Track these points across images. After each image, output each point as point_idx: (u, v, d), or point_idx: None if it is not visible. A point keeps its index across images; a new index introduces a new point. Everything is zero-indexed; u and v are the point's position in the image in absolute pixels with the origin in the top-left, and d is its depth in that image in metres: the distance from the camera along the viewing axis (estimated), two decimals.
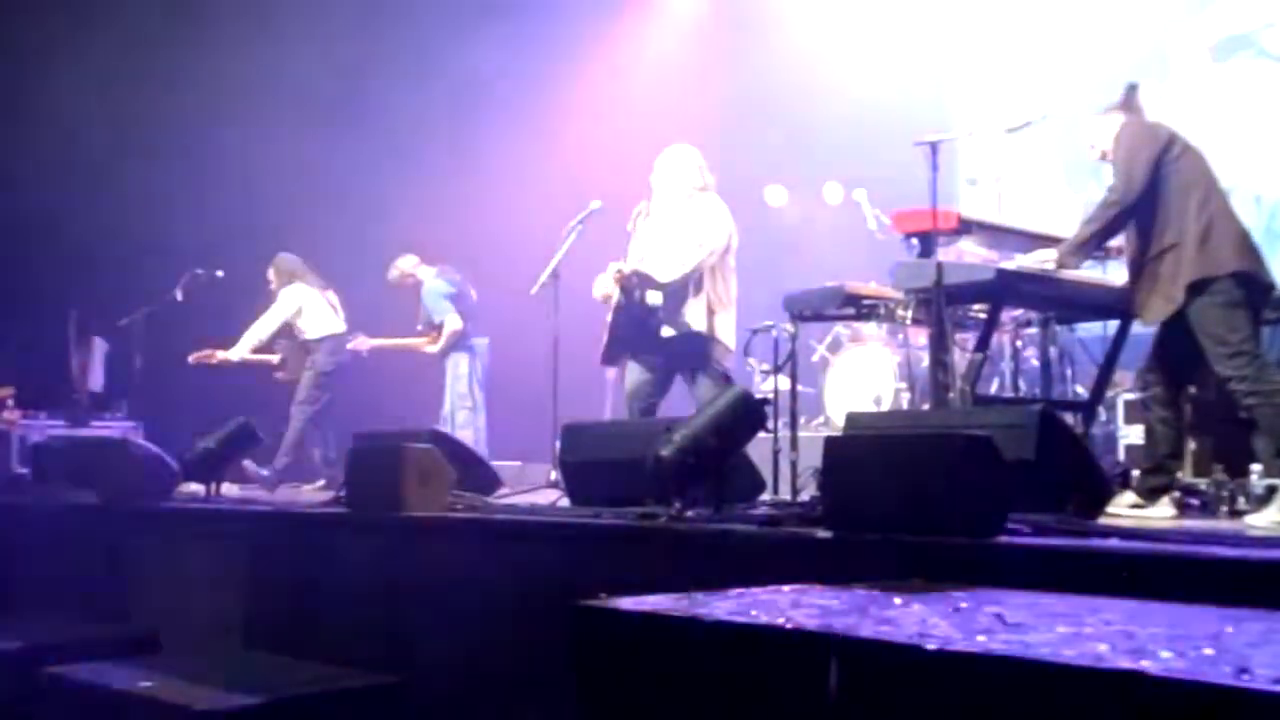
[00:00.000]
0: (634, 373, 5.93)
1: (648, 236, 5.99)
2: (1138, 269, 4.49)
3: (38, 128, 8.40)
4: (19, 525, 5.82)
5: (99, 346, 8.82)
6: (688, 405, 5.45)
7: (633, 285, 5.82)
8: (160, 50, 8.78)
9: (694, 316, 5.75)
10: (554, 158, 9.31)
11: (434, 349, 8.04)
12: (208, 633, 4.75)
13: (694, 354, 5.77)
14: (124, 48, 8.56)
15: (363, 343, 8.14)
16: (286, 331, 8.10)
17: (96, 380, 8.80)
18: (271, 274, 8.19)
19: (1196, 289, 4.28)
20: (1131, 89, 4.69)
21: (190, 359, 7.95)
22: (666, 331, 5.78)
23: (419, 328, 8.15)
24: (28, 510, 6.02)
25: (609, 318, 5.92)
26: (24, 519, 5.88)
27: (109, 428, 8.34)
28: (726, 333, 5.83)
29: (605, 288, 5.94)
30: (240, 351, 7.99)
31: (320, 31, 9.07)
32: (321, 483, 7.61)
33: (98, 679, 4.00)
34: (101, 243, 8.63)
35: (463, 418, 7.85)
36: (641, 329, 5.82)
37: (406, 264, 8.19)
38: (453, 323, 7.93)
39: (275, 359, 8.21)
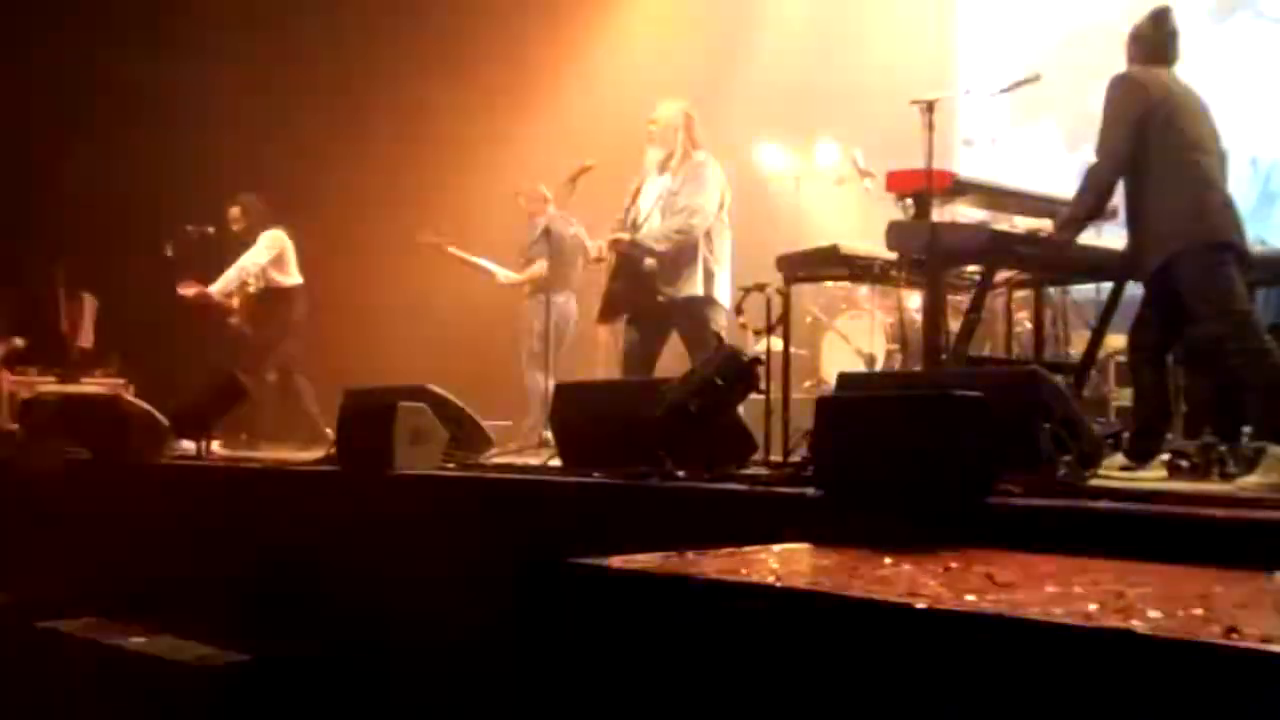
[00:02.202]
0: (630, 334, 5.98)
1: (645, 198, 6.00)
2: (1133, 223, 4.47)
3: (28, 82, 8.32)
4: (9, 481, 5.82)
5: (89, 303, 8.78)
6: (683, 366, 5.45)
7: (629, 251, 5.86)
8: (155, 9, 8.68)
9: (691, 280, 5.79)
10: (545, 116, 9.24)
11: (513, 278, 7.66)
12: (199, 589, 4.76)
13: (692, 317, 5.80)
14: (117, 7, 8.47)
15: (189, 287, 7.68)
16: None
17: (87, 337, 8.76)
18: (237, 213, 7.86)
19: (1184, 253, 4.27)
20: (1134, 35, 4.55)
21: (179, 289, 7.65)
22: (663, 295, 5.82)
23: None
24: (18, 466, 6.01)
25: (606, 279, 6.00)
26: (14, 475, 5.88)
27: (100, 384, 8.30)
28: (723, 292, 5.87)
29: (602, 251, 6.01)
30: (227, 288, 7.73)
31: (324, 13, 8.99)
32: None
33: (90, 634, 4.02)
34: (92, 198, 8.56)
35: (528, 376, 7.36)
36: (638, 292, 5.86)
37: (536, 196, 7.53)
38: (540, 267, 7.30)
39: (234, 304, 7.96)
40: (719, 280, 5.87)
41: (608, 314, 6.11)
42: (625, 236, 5.89)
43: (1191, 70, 4.51)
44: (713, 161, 5.94)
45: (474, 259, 7.91)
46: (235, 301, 7.94)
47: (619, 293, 5.95)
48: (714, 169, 5.91)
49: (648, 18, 9.74)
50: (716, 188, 5.87)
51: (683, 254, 5.78)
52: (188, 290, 7.69)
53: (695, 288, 5.79)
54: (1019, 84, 5.24)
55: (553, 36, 9.50)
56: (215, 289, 7.72)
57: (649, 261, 5.80)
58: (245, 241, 7.88)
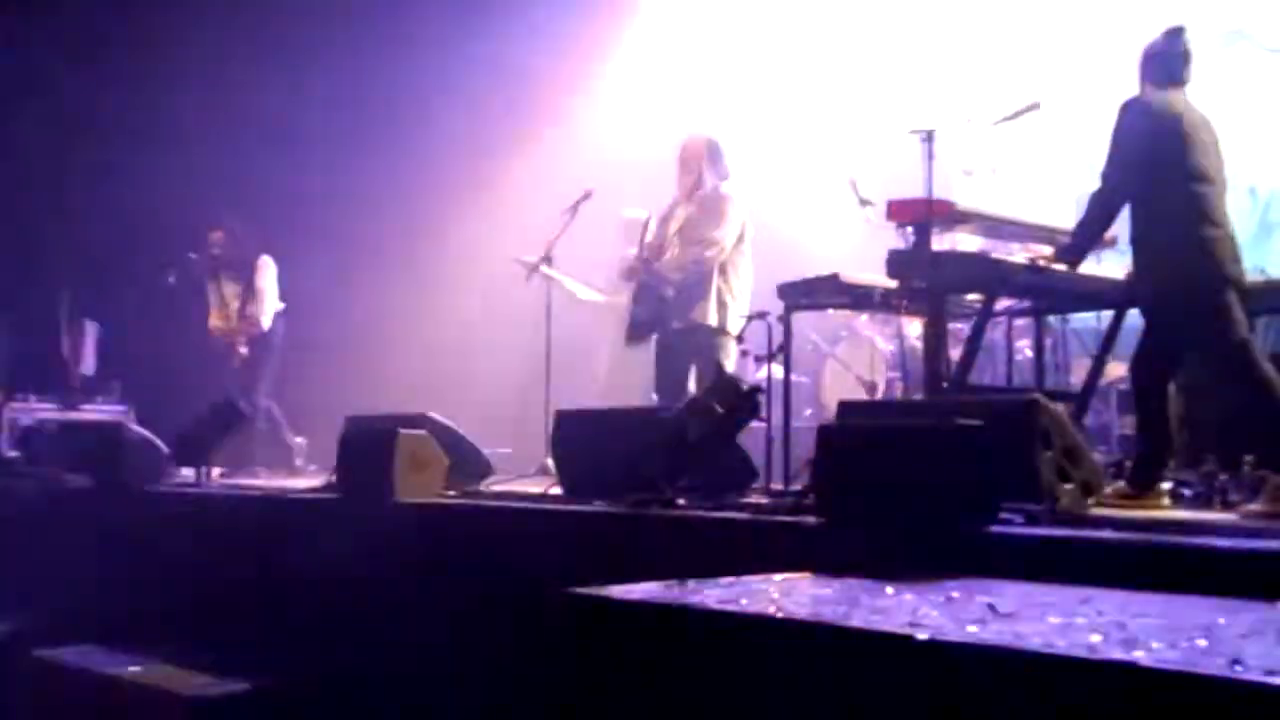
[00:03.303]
0: (661, 358, 6.12)
1: (669, 225, 6.14)
2: (1136, 251, 4.46)
3: (32, 110, 8.35)
4: (9, 508, 5.81)
5: (91, 329, 8.78)
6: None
7: (647, 279, 6.02)
8: (156, 35, 8.72)
9: (703, 310, 5.92)
10: (548, 145, 9.27)
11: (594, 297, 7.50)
12: (197, 617, 4.74)
13: (702, 346, 5.92)
14: (118, 34, 8.51)
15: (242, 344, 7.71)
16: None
17: (88, 363, 8.76)
18: (220, 238, 7.77)
19: (1184, 285, 4.27)
20: (1148, 54, 4.49)
21: (238, 346, 7.62)
22: (677, 323, 5.97)
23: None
24: (18, 494, 6.00)
25: (630, 302, 6.18)
26: (15, 502, 5.87)
27: (101, 411, 8.30)
28: (737, 324, 5.95)
29: (621, 274, 6.27)
30: (272, 324, 7.69)
31: (324, 27, 9.02)
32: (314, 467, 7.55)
33: (85, 662, 4.00)
34: (94, 225, 8.57)
35: None
36: (657, 317, 6.03)
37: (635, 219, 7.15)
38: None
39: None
40: (732, 311, 5.96)
41: (633, 336, 6.24)
42: (642, 267, 6.03)
43: (1193, 100, 4.50)
44: (736, 194, 6.06)
45: (565, 279, 7.52)
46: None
47: (640, 316, 6.10)
48: (736, 202, 6.03)
49: (652, 48, 9.79)
50: (736, 221, 5.99)
51: (696, 284, 5.91)
52: (243, 349, 7.65)
53: (708, 317, 5.91)
54: (1019, 113, 5.26)
55: (558, 64, 9.54)
56: (265, 324, 7.66)
57: (668, 290, 5.94)
58: (226, 266, 7.79)
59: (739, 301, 5.99)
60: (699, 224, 5.97)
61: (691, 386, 5.93)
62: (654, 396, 6.20)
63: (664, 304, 5.95)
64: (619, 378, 7.20)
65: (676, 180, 6.15)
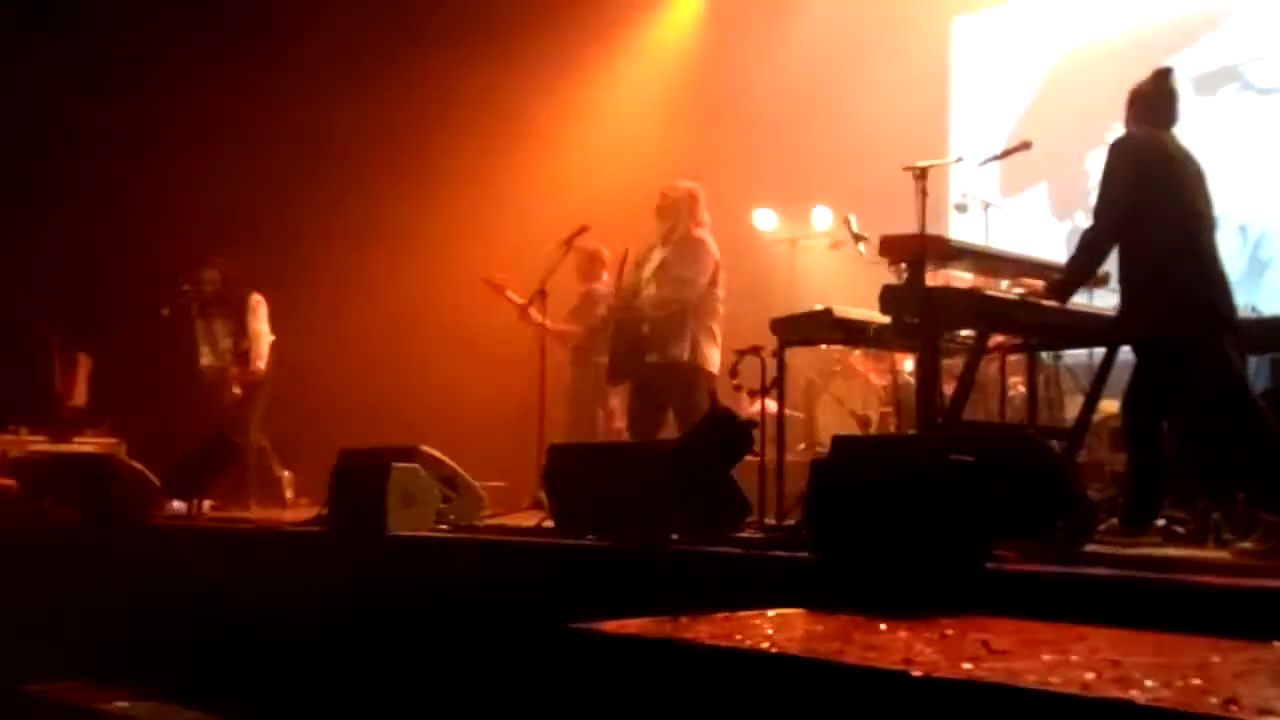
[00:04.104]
0: (634, 400, 6.30)
1: (647, 266, 6.30)
2: (1125, 289, 4.48)
3: (26, 141, 8.38)
4: None
5: (83, 362, 8.76)
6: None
7: (625, 317, 6.21)
8: (152, 69, 8.77)
9: (679, 347, 6.08)
10: (543, 182, 9.31)
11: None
12: (185, 652, 4.71)
13: (679, 383, 6.07)
14: (115, 68, 8.55)
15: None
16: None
17: (80, 396, 8.74)
18: (215, 275, 7.68)
19: (1176, 323, 4.28)
20: (1135, 95, 4.53)
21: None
22: (652, 358, 6.10)
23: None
24: (8, 526, 5.97)
25: (610, 343, 6.33)
26: (4, 535, 5.83)
27: (92, 444, 8.27)
28: (712, 362, 6.15)
29: (600, 314, 6.43)
30: (266, 365, 7.63)
31: (323, 63, 9.08)
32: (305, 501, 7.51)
33: (74, 698, 3.97)
34: (87, 258, 8.58)
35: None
36: (634, 356, 6.18)
37: (596, 257, 7.27)
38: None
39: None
40: (704, 349, 6.13)
41: (614, 375, 6.42)
42: (622, 305, 6.22)
43: (1181, 139, 4.54)
44: (709, 239, 6.26)
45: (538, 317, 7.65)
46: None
47: (620, 354, 6.25)
48: (709, 245, 6.23)
49: (646, 87, 9.86)
50: (709, 263, 6.18)
51: (672, 321, 6.08)
52: (237, 390, 7.57)
53: (682, 354, 6.07)
54: (1010, 152, 5.30)
55: (549, 101, 9.60)
56: (262, 368, 7.59)
57: (644, 326, 6.11)
58: (217, 303, 7.74)
59: (710, 341, 6.18)
60: (674, 265, 6.17)
61: (668, 423, 6.10)
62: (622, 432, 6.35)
63: (640, 341, 6.12)
64: (572, 410, 7.23)
65: (656, 226, 6.33)
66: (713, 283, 6.19)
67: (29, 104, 8.47)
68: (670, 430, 6.07)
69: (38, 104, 8.49)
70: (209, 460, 5.90)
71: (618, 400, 7.31)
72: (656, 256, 6.30)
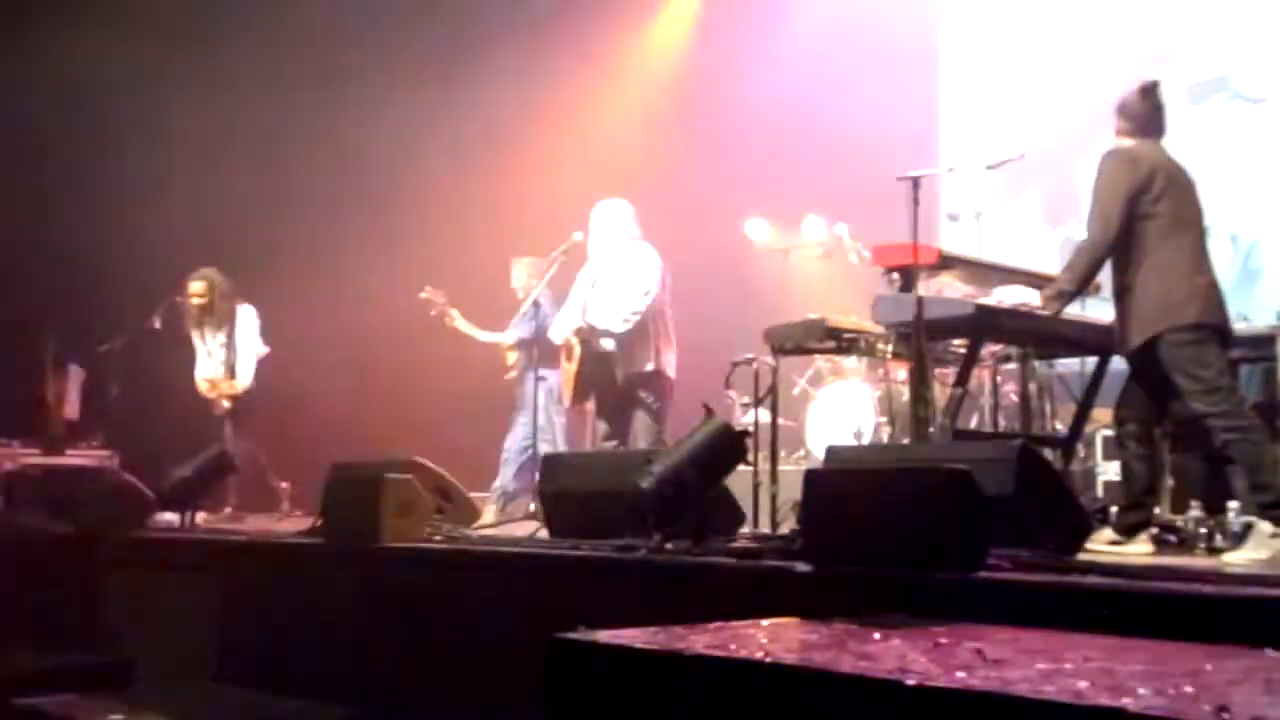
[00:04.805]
0: (601, 425, 6.42)
1: (587, 286, 6.42)
2: (1119, 300, 4.50)
3: (16, 153, 8.37)
4: None
5: (75, 374, 8.74)
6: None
7: (589, 335, 6.29)
8: (142, 83, 8.77)
9: (644, 356, 6.22)
10: (534, 192, 9.32)
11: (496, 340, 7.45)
12: (180, 665, 4.70)
13: (647, 390, 6.23)
14: (103, 81, 8.55)
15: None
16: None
17: (72, 408, 8.71)
18: (204, 288, 7.61)
19: (1168, 332, 4.30)
20: (1121, 108, 4.57)
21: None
22: (620, 371, 6.23)
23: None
24: (1, 539, 5.95)
25: (573, 365, 6.38)
26: None
27: (85, 456, 8.24)
28: (671, 367, 6.31)
29: (563, 336, 6.42)
30: (251, 383, 7.62)
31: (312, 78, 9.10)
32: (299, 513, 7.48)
33: (69, 712, 3.95)
34: (79, 270, 8.56)
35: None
36: (600, 374, 6.30)
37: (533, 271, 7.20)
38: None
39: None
40: (666, 356, 6.27)
41: (578, 397, 6.50)
42: (584, 323, 6.29)
43: (1172, 149, 4.57)
44: (650, 248, 6.37)
45: (468, 328, 7.73)
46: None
47: (585, 375, 6.35)
48: (652, 253, 6.34)
49: (637, 98, 9.88)
50: (657, 269, 6.29)
51: (634, 332, 6.20)
52: (226, 403, 7.54)
53: (647, 363, 6.20)
54: (1003, 162, 5.32)
55: (545, 111, 9.62)
56: (248, 386, 7.54)
57: (606, 342, 6.23)
58: (209, 314, 7.69)
59: (671, 345, 6.31)
60: (625, 276, 6.26)
61: (637, 433, 6.22)
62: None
63: (605, 358, 6.23)
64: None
65: (589, 243, 6.45)
66: (662, 287, 6.29)
67: (19, 117, 8.46)
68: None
69: (27, 116, 8.48)
70: (204, 473, 5.89)
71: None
72: (596, 273, 6.38)
